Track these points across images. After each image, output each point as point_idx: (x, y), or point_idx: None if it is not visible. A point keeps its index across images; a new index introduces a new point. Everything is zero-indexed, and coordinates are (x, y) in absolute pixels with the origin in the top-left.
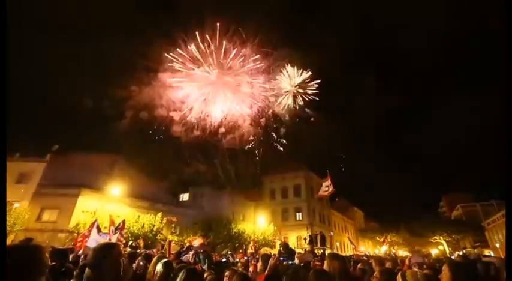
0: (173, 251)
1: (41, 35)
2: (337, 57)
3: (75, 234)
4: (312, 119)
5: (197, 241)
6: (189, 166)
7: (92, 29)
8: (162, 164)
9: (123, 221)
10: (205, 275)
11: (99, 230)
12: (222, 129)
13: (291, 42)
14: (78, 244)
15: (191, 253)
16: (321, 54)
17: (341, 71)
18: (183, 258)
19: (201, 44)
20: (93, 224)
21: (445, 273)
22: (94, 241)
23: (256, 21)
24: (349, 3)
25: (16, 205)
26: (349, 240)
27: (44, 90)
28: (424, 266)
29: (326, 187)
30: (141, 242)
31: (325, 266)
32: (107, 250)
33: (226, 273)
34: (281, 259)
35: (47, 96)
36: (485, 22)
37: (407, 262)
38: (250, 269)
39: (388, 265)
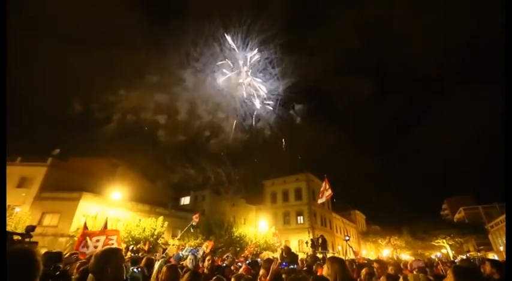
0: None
1: (42, 44)
2: (337, 64)
3: (76, 239)
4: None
5: (204, 245)
6: (187, 170)
7: (93, 39)
8: (162, 168)
9: (106, 221)
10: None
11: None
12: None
13: (292, 49)
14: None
15: (189, 257)
16: (323, 60)
17: (342, 76)
18: (182, 262)
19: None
20: (84, 229)
21: (450, 279)
22: (89, 247)
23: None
24: (350, 11)
25: (17, 209)
26: (348, 245)
27: (45, 95)
28: (427, 269)
29: (326, 191)
30: (145, 246)
31: (325, 270)
32: (109, 255)
33: (232, 279)
34: (283, 264)
35: (48, 102)
36: (484, 29)
37: (409, 266)
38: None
39: (390, 269)
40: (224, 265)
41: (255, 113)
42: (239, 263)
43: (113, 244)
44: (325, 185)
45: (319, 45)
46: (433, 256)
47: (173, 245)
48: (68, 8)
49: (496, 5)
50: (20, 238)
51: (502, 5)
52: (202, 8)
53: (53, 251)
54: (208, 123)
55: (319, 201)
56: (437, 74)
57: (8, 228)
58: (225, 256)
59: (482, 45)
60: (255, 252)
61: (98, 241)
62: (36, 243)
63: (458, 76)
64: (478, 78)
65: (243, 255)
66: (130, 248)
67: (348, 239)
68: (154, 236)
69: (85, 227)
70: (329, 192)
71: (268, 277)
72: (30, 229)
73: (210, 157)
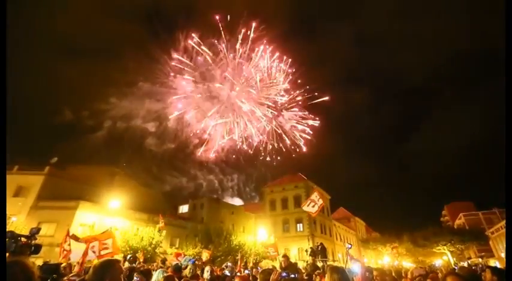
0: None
1: (39, 54)
2: (337, 75)
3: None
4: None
5: (204, 255)
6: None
7: (90, 49)
8: (159, 176)
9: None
10: None
11: (76, 238)
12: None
13: (292, 61)
14: (62, 258)
15: (189, 267)
16: (322, 72)
17: (342, 87)
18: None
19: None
20: (66, 236)
21: None
22: (76, 252)
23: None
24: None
25: (13, 219)
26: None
27: (42, 104)
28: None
29: (314, 202)
30: (141, 256)
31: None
32: (107, 267)
33: None
34: (283, 274)
35: (45, 110)
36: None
37: (409, 274)
38: None
39: (391, 277)
40: (227, 273)
41: (249, 120)
42: (238, 273)
43: (107, 248)
44: (315, 195)
45: (318, 56)
46: (435, 264)
47: (171, 254)
48: (67, 19)
49: (491, 16)
50: (26, 240)
51: (501, 10)
52: (203, 21)
53: (51, 263)
54: (200, 130)
55: (304, 208)
56: (436, 83)
57: None
58: (223, 265)
59: (480, 53)
60: (254, 261)
61: (93, 247)
62: (40, 245)
63: (457, 84)
64: (477, 86)
65: (243, 264)
66: (128, 258)
67: (350, 247)
68: (153, 245)
69: (74, 237)
70: (320, 202)
71: None
72: (35, 231)
73: (202, 165)
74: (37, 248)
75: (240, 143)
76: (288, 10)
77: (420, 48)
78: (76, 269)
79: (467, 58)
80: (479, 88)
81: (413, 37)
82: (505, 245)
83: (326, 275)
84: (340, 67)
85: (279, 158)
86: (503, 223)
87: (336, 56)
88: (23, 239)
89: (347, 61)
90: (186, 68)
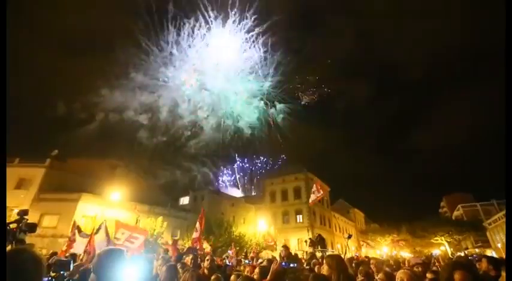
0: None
1: (37, 47)
2: (338, 67)
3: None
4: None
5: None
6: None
7: (89, 44)
8: (160, 168)
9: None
10: (212, 278)
11: (79, 230)
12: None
13: (294, 53)
14: (64, 249)
15: (190, 256)
16: (323, 63)
17: (342, 79)
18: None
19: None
20: (73, 226)
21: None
22: (79, 244)
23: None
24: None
25: (15, 211)
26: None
27: (43, 96)
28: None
29: (317, 192)
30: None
31: (324, 268)
32: (112, 255)
33: (232, 277)
34: (283, 264)
35: (46, 103)
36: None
37: (407, 263)
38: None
39: (389, 266)
40: (229, 263)
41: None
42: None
43: (133, 243)
44: (316, 187)
45: (317, 49)
46: (433, 254)
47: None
48: (58, 11)
49: (492, 13)
50: (16, 225)
51: (501, 7)
52: (196, 11)
53: (63, 259)
54: (192, 122)
55: (310, 200)
56: (437, 76)
57: None
58: (224, 256)
59: (479, 48)
60: (255, 251)
61: (123, 233)
62: (34, 224)
63: (458, 77)
64: (478, 78)
65: (243, 254)
66: None
67: (351, 237)
68: (154, 237)
69: (79, 229)
70: (320, 193)
71: (268, 277)
72: (22, 213)
73: (195, 157)
74: (31, 228)
75: (232, 135)
76: (288, 2)
77: (421, 44)
78: (84, 258)
79: (468, 54)
80: (480, 83)
81: (414, 33)
82: (502, 236)
83: (324, 262)
84: (340, 60)
85: (276, 151)
86: (501, 214)
87: (336, 49)
88: (12, 225)
89: (347, 54)
90: (178, 60)
